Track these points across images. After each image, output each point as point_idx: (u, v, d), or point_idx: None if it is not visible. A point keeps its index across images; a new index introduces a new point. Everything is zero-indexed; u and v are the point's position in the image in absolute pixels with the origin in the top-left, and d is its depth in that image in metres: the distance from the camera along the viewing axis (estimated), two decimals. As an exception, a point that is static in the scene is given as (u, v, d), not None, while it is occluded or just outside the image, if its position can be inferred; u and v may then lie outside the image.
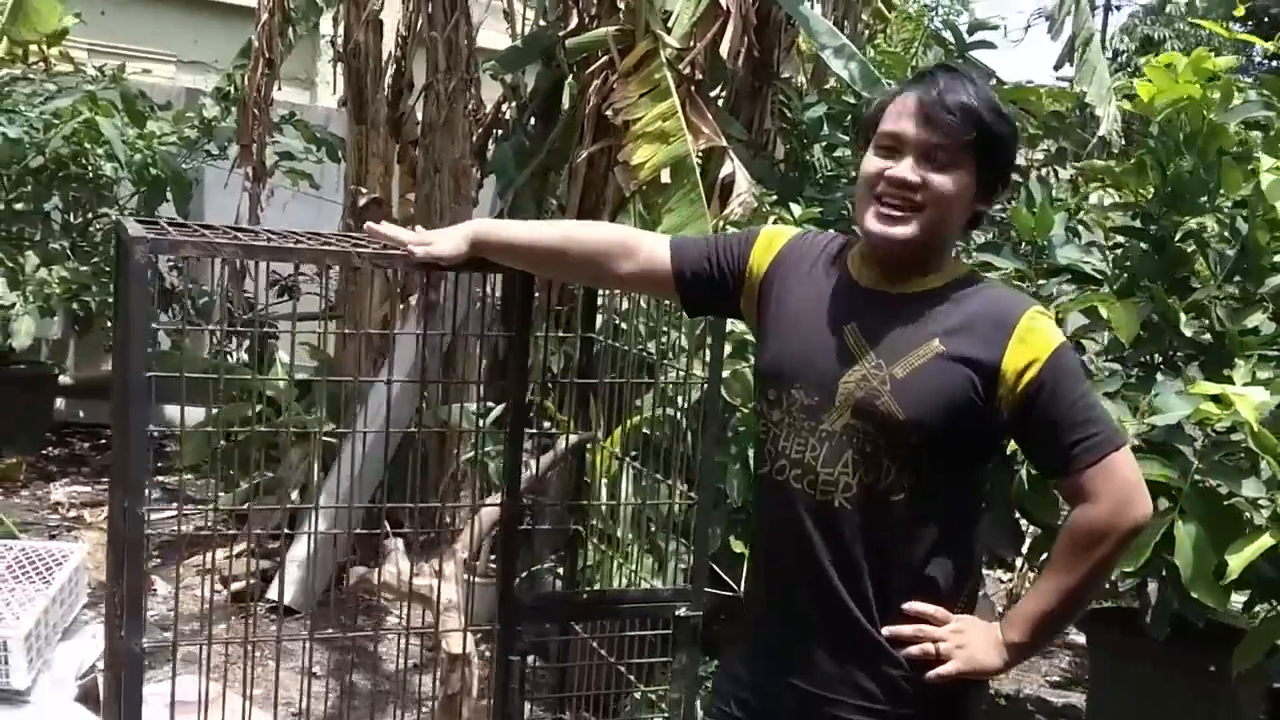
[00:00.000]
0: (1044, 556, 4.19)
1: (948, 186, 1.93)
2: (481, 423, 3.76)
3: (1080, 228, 4.81)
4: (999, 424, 1.94)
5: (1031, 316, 1.94)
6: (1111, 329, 3.73)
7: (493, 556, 4.19)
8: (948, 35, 7.45)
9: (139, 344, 2.13)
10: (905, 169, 1.92)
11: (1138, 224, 4.14)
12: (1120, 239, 4.35)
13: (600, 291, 3.16)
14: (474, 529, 2.93)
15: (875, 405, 1.92)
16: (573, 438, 3.11)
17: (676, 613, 2.56)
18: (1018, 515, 3.77)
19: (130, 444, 2.12)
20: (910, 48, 9.67)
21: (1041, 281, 4.21)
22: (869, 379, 1.93)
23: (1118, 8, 26.31)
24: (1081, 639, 4.90)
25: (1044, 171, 7.15)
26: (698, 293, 2.16)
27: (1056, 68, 7.86)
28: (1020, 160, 6.99)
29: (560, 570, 3.60)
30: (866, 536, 1.96)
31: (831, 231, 2.22)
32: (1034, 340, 1.91)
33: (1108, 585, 3.77)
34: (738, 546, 3.68)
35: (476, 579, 3.47)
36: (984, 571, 4.80)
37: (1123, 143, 5.99)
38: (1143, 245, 4.08)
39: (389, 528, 3.03)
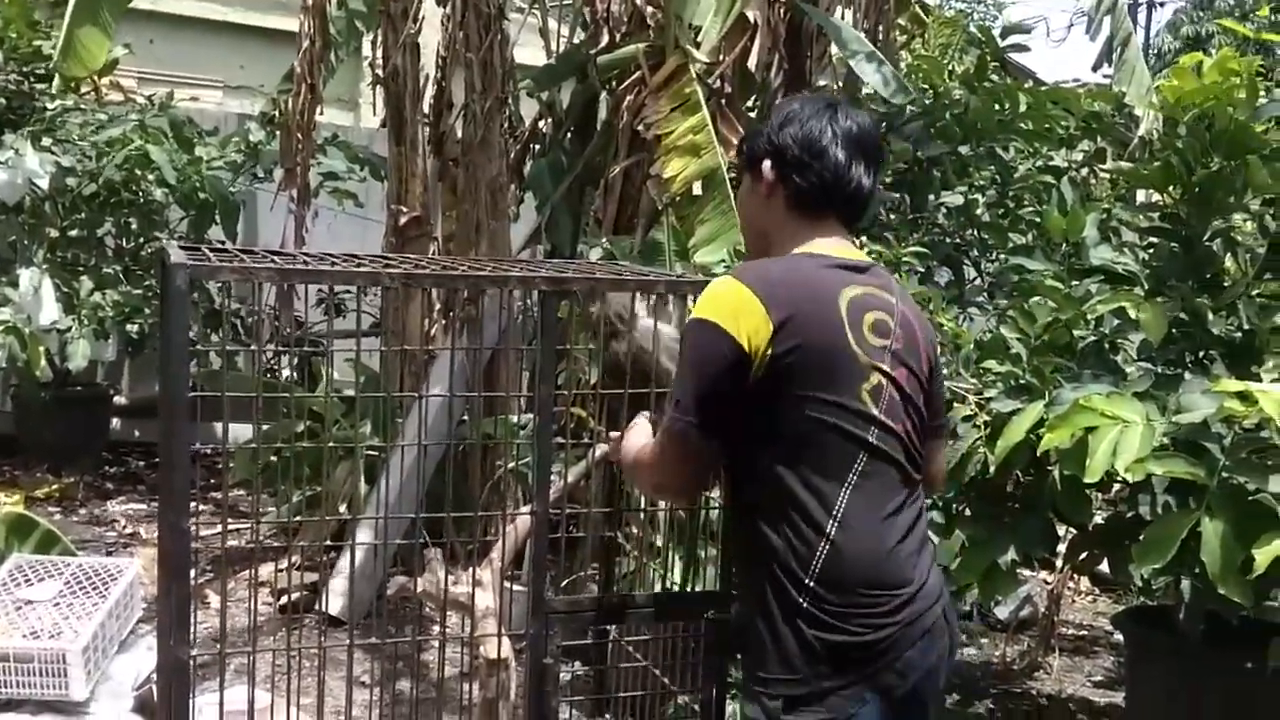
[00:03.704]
0: (1082, 556, 4.23)
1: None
2: (520, 434, 3.84)
3: (1120, 227, 4.83)
4: None
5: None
6: (1140, 329, 3.75)
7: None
8: (983, 39, 7.46)
9: (180, 365, 2.24)
10: None
11: (1166, 225, 4.15)
12: (1152, 239, 4.36)
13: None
14: (506, 538, 3.01)
15: None
16: (603, 447, 3.18)
17: (705, 615, 2.62)
18: (1051, 515, 3.79)
19: (173, 462, 2.22)
20: (947, 52, 9.68)
21: (1075, 282, 4.23)
22: None
23: (1160, 4, 26.06)
24: (1123, 639, 4.90)
25: (1083, 172, 7.15)
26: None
27: (1095, 68, 7.87)
28: (1058, 161, 7.02)
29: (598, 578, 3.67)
30: None
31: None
32: None
33: (1140, 583, 3.78)
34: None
35: (516, 586, 3.55)
36: (1025, 572, 4.81)
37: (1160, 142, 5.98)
38: (1172, 245, 4.10)
39: (428, 538, 3.11)
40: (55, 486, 6.96)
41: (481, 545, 3.32)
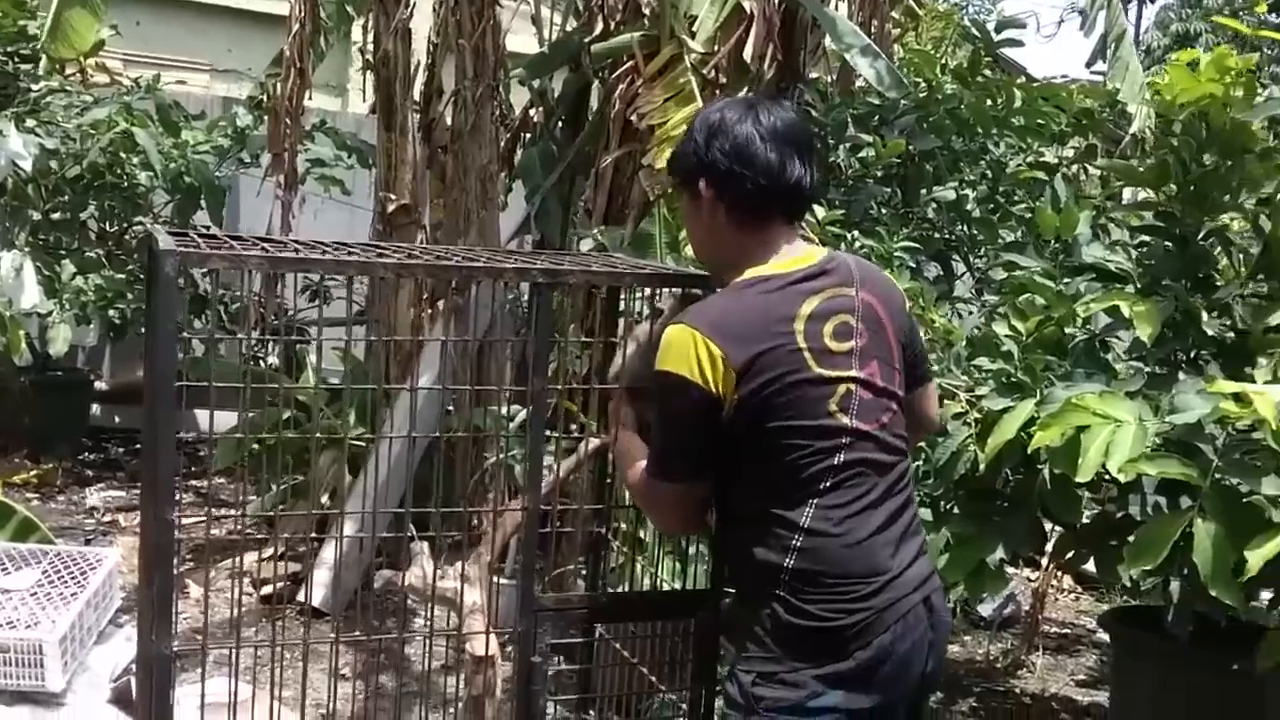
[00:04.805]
0: (1069, 555, 4.21)
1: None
2: (507, 426, 3.80)
3: (1109, 224, 4.80)
4: None
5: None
6: (1133, 327, 3.73)
7: (518, 559, 4.24)
8: (977, 34, 7.43)
9: (168, 353, 2.19)
10: None
11: (1160, 223, 4.13)
12: (1145, 237, 4.34)
13: (622, 297, 3.17)
14: (496, 532, 2.97)
15: None
16: (595, 441, 3.15)
17: (695, 614, 2.59)
18: (1040, 514, 3.77)
19: (159, 452, 2.18)
20: (940, 46, 9.64)
21: (1067, 280, 4.21)
22: None
23: (1151, 1, 26.10)
24: (1106, 637, 4.89)
25: (1073, 169, 7.13)
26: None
27: (1089, 64, 7.84)
28: (1049, 157, 7.00)
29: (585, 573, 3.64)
30: None
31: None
32: None
33: (1129, 584, 3.77)
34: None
35: (502, 580, 3.52)
36: (1009, 570, 4.80)
37: (1155, 139, 5.95)
38: (1165, 244, 4.07)
39: (414, 531, 3.07)
40: (33, 473, 6.90)
41: (465, 539, 3.28)
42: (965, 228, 6.68)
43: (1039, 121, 6.65)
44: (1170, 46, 21.90)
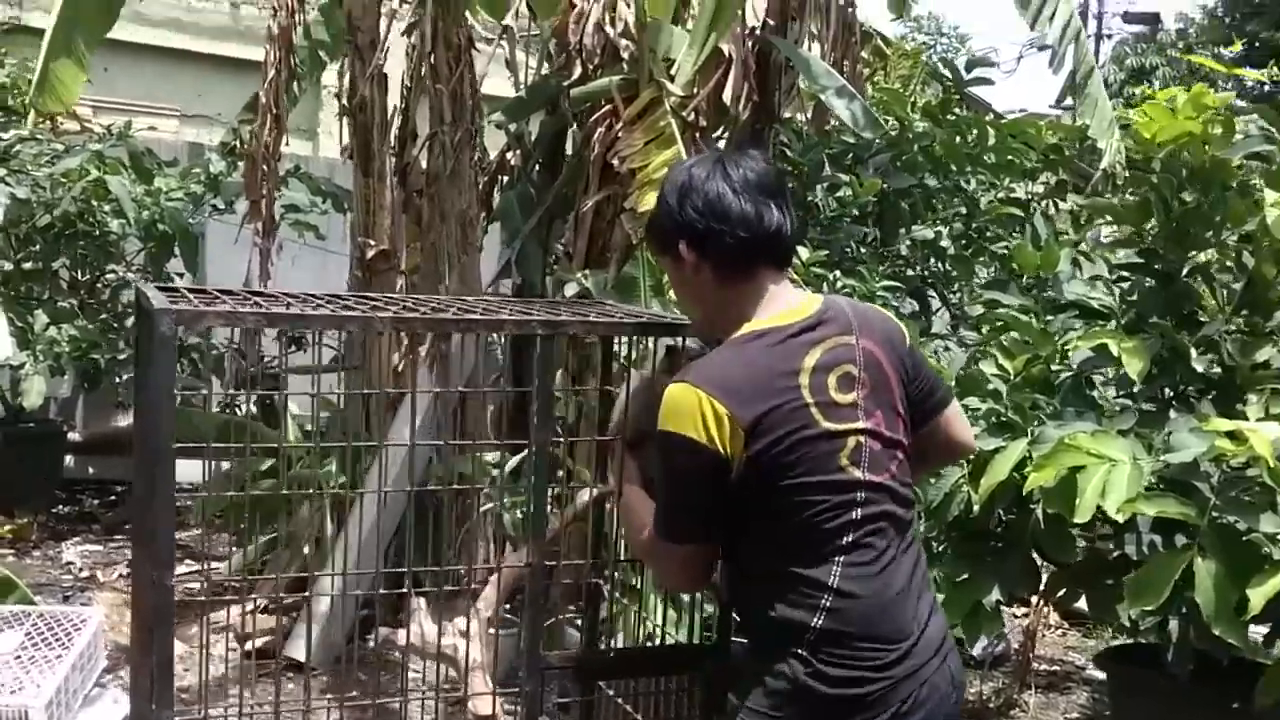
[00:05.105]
0: (1060, 593, 4.20)
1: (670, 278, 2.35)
2: (498, 474, 3.76)
3: (1082, 260, 4.83)
4: None
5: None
6: (1121, 365, 3.73)
7: (507, 606, 4.19)
8: (946, 73, 7.50)
9: (165, 414, 2.14)
10: None
11: (1142, 260, 4.15)
12: (1125, 274, 4.35)
13: (616, 344, 3.14)
14: (495, 588, 2.93)
15: None
16: (592, 491, 3.11)
17: (703, 668, 2.55)
18: (1033, 553, 3.76)
19: (157, 514, 2.13)
20: (909, 85, 9.73)
21: (1049, 318, 4.22)
22: None
23: (1108, 36, 26.46)
24: (1101, 675, 4.87)
25: (1044, 205, 7.19)
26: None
27: (1059, 101, 7.92)
28: (1020, 194, 7.05)
29: (579, 621, 3.59)
30: None
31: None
32: None
33: (1128, 623, 3.75)
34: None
35: (497, 631, 3.46)
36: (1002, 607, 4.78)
37: (1125, 175, 5.99)
38: (1149, 281, 4.09)
39: (409, 585, 3.02)
40: (8, 528, 6.76)
41: (457, 591, 3.23)
42: (941, 264, 6.71)
43: (1010, 158, 6.71)
44: (1126, 80, 22.20)
